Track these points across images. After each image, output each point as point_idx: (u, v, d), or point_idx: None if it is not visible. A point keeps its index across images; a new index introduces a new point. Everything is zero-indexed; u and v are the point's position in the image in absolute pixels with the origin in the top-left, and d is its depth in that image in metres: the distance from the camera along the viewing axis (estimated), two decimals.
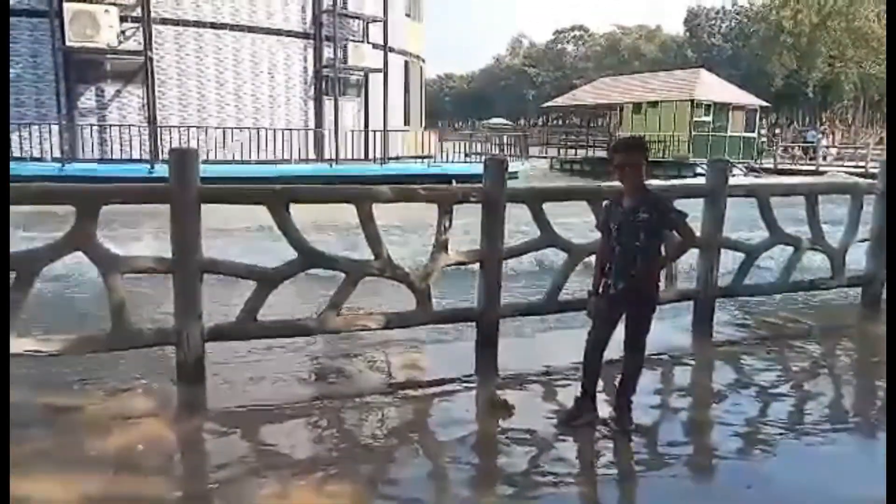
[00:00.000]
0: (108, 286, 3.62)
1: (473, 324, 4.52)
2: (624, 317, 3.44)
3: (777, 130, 42.98)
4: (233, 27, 17.66)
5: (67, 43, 15.25)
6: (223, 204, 3.97)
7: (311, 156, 18.52)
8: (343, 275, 4.16)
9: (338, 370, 4.43)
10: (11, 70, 15.93)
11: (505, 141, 24.74)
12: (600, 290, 3.48)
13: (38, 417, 3.54)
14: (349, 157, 18.96)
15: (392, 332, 4.51)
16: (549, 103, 41.28)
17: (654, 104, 31.50)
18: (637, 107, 32.49)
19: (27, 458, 3.06)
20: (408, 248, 6.81)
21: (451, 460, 3.26)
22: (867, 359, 5.06)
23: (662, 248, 3.45)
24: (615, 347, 3.52)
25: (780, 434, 3.56)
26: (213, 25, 17.39)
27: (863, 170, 25.84)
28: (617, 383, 3.57)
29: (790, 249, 5.57)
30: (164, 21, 16.66)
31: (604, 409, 3.61)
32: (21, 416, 3.53)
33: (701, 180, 5.39)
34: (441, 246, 4.37)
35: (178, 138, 16.38)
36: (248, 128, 17.42)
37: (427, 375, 4.36)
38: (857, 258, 5.97)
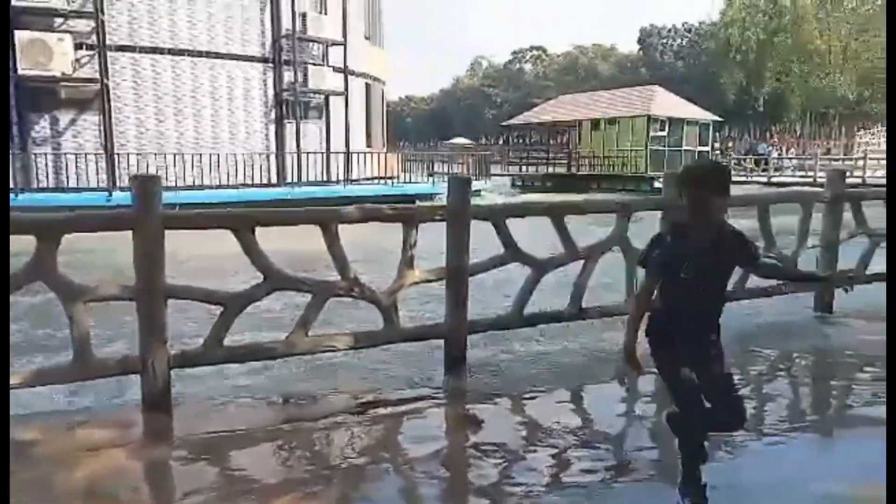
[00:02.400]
0: (70, 316, 3.57)
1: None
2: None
3: (730, 144, 44.24)
4: (191, 53, 17.57)
5: (19, 71, 14.98)
6: (187, 229, 3.98)
7: (273, 180, 18.44)
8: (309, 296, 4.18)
9: (306, 392, 4.41)
10: None
11: (466, 160, 24.99)
12: (656, 345, 2.72)
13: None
14: (311, 179, 18.94)
15: (361, 351, 4.52)
16: (509, 122, 41.80)
17: (612, 121, 32.19)
18: (595, 123, 33.15)
19: None
20: (369, 269, 6.83)
21: (424, 475, 3.28)
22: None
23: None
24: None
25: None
26: (171, 52, 17.28)
27: (811, 180, 26.82)
28: None
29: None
30: (121, 48, 16.50)
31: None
32: None
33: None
34: (407, 264, 4.41)
35: (136, 165, 16.15)
36: (208, 153, 17.27)
37: (396, 394, 4.37)
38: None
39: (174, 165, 16.32)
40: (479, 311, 4.97)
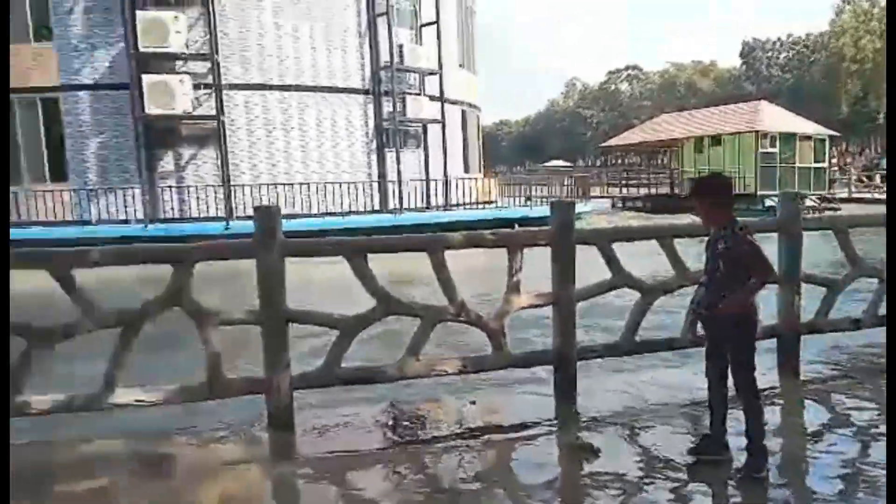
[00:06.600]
0: (205, 339, 3.83)
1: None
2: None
3: (849, 159, 41.50)
4: (297, 88, 18.53)
5: (146, 111, 16.33)
6: (305, 256, 4.20)
7: (376, 206, 19.02)
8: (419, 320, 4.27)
9: (418, 415, 4.50)
10: (97, 139, 17.16)
11: (565, 182, 24.77)
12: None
13: (144, 465, 3.73)
14: (412, 206, 19.39)
15: (471, 376, 4.56)
16: (607, 143, 41.22)
17: (716, 139, 30.98)
18: (698, 142, 32.00)
19: None
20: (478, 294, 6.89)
21: (534, 502, 3.26)
22: None
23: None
24: None
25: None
26: (280, 87, 18.29)
27: None
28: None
29: (875, 282, 5.37)
30: (234, 86, 17.64)
31: None
32: (127, 463, 3.75)
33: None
34: (513, 289, 4.42)
35: (250, 196, 17.14)
36: (315, 182, 18.07)
37: (507, 420, 4.37)
38: None
39: (284, 195, 17.20)
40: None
